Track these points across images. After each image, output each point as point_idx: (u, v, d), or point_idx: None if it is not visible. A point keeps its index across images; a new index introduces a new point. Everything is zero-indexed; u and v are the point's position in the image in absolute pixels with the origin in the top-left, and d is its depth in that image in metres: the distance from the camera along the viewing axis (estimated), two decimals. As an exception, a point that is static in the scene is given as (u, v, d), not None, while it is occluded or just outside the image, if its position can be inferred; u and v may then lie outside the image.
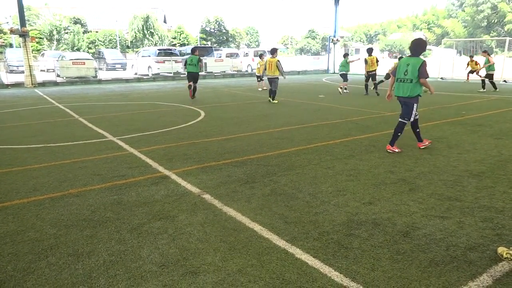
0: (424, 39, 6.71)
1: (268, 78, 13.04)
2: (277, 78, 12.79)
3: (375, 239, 3.28)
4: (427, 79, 5.93)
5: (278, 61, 12.61)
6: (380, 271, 2.81)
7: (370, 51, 15.17)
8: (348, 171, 5.17)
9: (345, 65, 15.64)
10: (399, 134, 6.19)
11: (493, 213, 3.76)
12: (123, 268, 2.89)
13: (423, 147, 6.33)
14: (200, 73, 14.24)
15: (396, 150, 6.09)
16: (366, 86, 15.10)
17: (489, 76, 15.85)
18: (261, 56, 18.04)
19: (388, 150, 6.13)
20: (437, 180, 4.75)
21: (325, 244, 3.20)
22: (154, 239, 3.34)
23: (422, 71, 5.84)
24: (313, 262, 2.92)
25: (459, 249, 3.10)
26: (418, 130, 6.34)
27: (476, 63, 18.72)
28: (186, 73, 14.01)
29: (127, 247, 3.21)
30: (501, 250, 2.97)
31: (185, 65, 13.88)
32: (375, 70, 14.89)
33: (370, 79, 14.93)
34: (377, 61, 15.06)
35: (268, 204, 4.08)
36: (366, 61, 14.90)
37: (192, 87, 13.83)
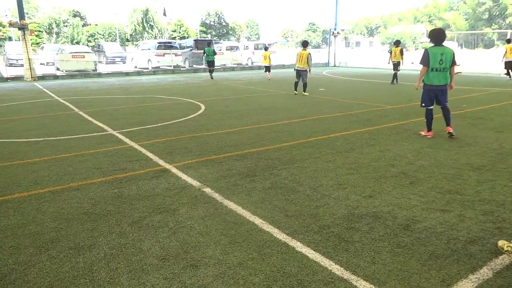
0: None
1: (298, 70, 12.96)
2: (307, 70, 12.79)
3: (376, 232, 3.28)
4: None
5: (309, 54, 12.63)
6: (381, 264, 2.81)
7: (397, 43, 16.57)
8: (348, 164, 5.17)
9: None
10: (450, 116, 6.68)
11: (493, 207, 3.76)
12: (124, 261, 2.90)
13: (451, 130, 6.58)
14: (199, 66, 17.59)
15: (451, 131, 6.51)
16: (395, 75, 16.27)
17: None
18: (265, 48, 21.15)
19: (450, 131, 6.54)
20: (437, 173, 4.75)
21: (326, 238, 3.20)
22: (154, 232, 3.35)
23: (455, 59, 6.39)
24: (313, 256, 2.93)
25: (460, 242, 3.10)
26: (450, 115, 6.71)
27: None
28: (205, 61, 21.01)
29: (128, 240, 3.22)
30: (502, 243, 2.97)
31: (204, 54, 20.84)
32: (399, 61, 16.08)
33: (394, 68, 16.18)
34: (401, 52, 16.07)
35: (268, 197, 4.08)
36: (390, 51, 16.55)
37: (211, 70, 20.51)
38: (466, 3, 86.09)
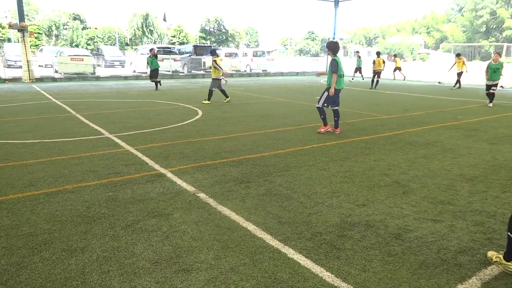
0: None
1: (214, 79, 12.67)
2: (218, 78, 12.62)
3: (367, 240, 3.31)
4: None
5: (214, 61, 12.45)
6: (371, 272, 2.84)
7: (378, 54, 19.62)
8: (343, 172, 5.21)
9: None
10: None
11: (484, 218, 3.80)
12: (117, 264, 2.91)
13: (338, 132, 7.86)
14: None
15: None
16: (372, 81, 18.90)
17: None
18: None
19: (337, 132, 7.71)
20: (430, 183, 4.79)
21: (318, 245, 3.23)
22: (148, 236, 3.36)
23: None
24: (305, 262, 2.95)
25: (450, 252, 3.13)
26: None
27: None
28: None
29: (121, 243, 3.23)
30: (491, 254, 3.00)
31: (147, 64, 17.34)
32: (381, 70, 19.02)
33: (376, 76, 18.86)
34: (383, 62, 19.27)
35: (262, 204, 4.10)
36: (374, 61, 19.10)
37: (156, 81, 17.54)
38: (463, 16, 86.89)
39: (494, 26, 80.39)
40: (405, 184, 4.75)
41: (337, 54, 7.63)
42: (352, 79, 24.06)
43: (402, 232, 3.48)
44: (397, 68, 24.86)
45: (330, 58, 7.73)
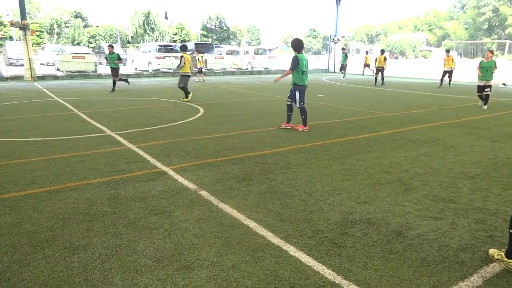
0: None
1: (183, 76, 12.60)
2: (187, 75, 12.56)
3: (369, 238, 3.32)
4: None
5: (182, 57, 12.40)
6: (373, 269, 2.84)
7: (382, 51, 19.79)
8: (344, 170, 5.21)
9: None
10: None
11: (486, 215, 3.80)
12: (118, 262, 2.92)
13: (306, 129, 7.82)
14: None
15: None
16: (376, 78, 19.35)
17: None
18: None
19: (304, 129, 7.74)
20: (432, 181, 4.79)
21: (319, 242, 3.23)
22: (149, 234, 3.37)
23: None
24: (306, 260, 2.96)
25: (451, 249, 3.13)
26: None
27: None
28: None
29: (122, 241, 3.24)
30: (493, 251, 3.00)
31: (107, 60, 15.48)
32: (382, 67, 19.20)
33: (379, 73, 19.29)
34: (385, 59, 19.29)
35: (264, 201, 4.11)
36: (376, 59, 19.48)
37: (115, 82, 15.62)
38: (466, 13, 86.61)
39: (497, 24, 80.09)
40: (407, 182, 4.75)
41: (301, 52, 7.71)
42: (344, 76, 23.93)
43: (403, 229, 3.48)
44: (366, 65, 24.84)
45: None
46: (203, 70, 21.97)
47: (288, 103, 8.03)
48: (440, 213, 3.85)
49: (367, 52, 27.04)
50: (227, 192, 4.38)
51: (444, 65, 18.09)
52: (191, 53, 21.94)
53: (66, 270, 2.81)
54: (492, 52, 11.90)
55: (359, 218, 3.70)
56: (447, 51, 18.50)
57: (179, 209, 3.89)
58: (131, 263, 2.90)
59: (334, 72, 30.62)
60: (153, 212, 3.83)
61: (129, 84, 16.53)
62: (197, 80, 20.73)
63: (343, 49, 25.27)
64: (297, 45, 7.68)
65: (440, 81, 18.48)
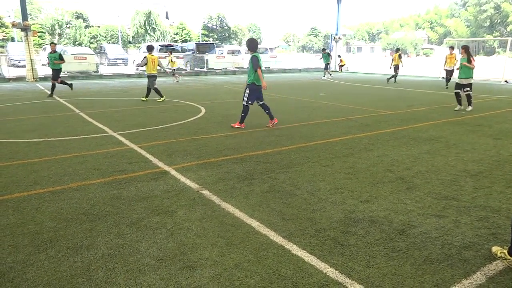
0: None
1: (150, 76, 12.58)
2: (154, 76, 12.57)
3: (371, 236, 3.31)
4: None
5: (144, 57, 12.54)
6: (375, 268, 2.84)
7: (397, 50, 20.52)
8: (346, 169, 5.20)
9: None
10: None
11: (489, 213, 3.79)
12: (122, 262, 2.93)
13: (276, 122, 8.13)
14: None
15: None
16: (395, 76, 19.66)
17: None
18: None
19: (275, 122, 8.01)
20: (434, 179, 4.78)
21: (322, 241, 3.23)
22: (152, 233, 3.38)
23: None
24: (309, 259, 2.96)
25: (454, 247, 3.13)
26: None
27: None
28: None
29: (125, 241, 3.25)
30: (496, 249, 3.00)
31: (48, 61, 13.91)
32: (397, 65, 19.54)
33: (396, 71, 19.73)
34: (399, 57, 19.64)
35: (266, 200, 4.11)
36: (394, 57, 19.88)
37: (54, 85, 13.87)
38: (467, 10, 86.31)
39: (499, 21, 79.80)
40: (409, 180, 4.74)
41: (256, 51, 7.87)
42: (330, 74, 24.22)
43: (406, 227, 3.48)
44: (341, 66, 29.50)
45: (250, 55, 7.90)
46: (175, 71, 21.60)
47: (260, 103, 8.24)
48: (442, 211, 3.84)
49: (339, 56, 30.52)
50: (229, 191, 4.38)
51: (446, 63, 17.04)
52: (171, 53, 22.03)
53: (70, 270, 2.82)
54: (453, 48, 11.90)
55: (361, 217, 3.70)
56: (451, 48, 17.59)
57: (182, 209, 3.89)
58: (134, 263, 2.91)
59: (335, 70, 30.57)
60: (156, 212, 3.84)
61: (72, 89, 15.10)
62: (175, 80, 20.76)
63: (323, 49, 25.54)
64: (253, 45, 7.91)
65: (446, 82, 17.36)
